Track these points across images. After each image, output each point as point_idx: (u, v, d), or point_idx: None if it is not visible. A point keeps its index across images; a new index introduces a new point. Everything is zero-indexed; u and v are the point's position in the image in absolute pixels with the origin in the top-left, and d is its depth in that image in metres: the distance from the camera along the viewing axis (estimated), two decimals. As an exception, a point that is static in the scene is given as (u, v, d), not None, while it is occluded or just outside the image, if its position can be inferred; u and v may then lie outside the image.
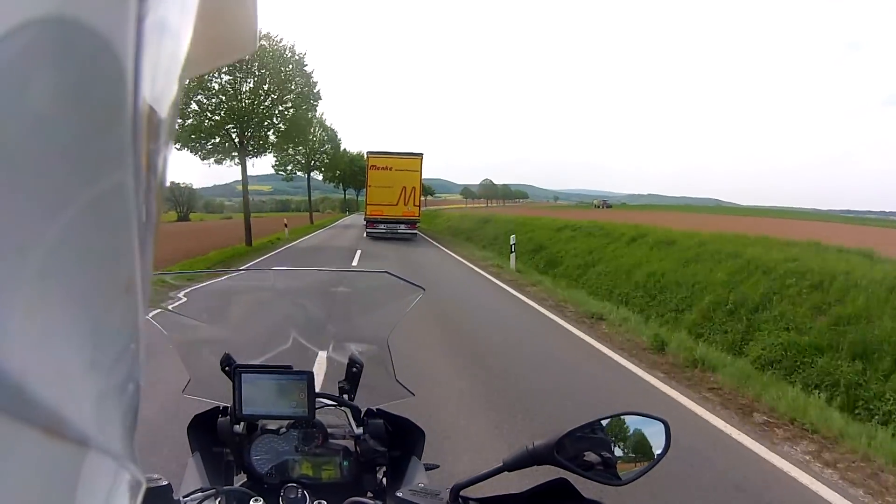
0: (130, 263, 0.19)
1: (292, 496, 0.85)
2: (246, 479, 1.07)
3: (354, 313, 1.36)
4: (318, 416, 1.04)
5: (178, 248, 14.27)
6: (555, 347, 5.40)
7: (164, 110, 0.21)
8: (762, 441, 3.29)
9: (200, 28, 0.24)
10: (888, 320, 4.83)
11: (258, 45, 0.40)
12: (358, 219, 36.12)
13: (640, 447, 0.73)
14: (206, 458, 1.07)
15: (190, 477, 1.02)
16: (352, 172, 53.22)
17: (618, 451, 0.73)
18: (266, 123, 16.47)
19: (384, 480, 1.09)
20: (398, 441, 1.09)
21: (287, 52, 16.02)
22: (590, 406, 3.64)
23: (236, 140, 15.86)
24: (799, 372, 4.84)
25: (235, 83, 15.04)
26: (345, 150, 41.57)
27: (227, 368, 1.06)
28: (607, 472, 0.71)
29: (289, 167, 33.08)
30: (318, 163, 35.94)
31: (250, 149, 16.24)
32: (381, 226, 18.74)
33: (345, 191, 66.59)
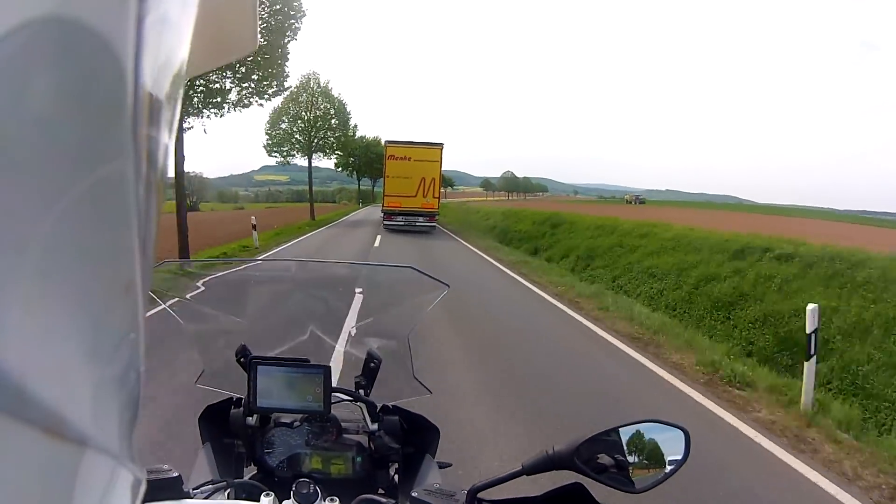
0: (131, 262, 0.20)
1: (304, 491, 0.85)
2: (256, 472, 1.09)
3: (375, 308, 1.36)
4: (333, 411, 1.04)
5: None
6: None
7: (164, 110, 0.21)
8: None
9: (200, 28, 0.25)
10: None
11: (257, 43, 0.40)
12: (373, 212, 33.99)
13: (657, 454, 0.73)
14: (217, 450, 1.09)
15: (200, 468, 1.04)
16: (367, 160, 49.25)
17: (634, 458, 0.73)
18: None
19: (396, 478, 1.10)
20: (412, 438, 1.10)
21: None
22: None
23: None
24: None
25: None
26: (355, 126, 32.31)
27: (242, 359, 1.07)
28: (623, 478, 0.72)
29: (284, 148, 27.18)
30: (321, 142, 28.48)
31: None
32: (399, 218, 18.74)
33: (359, 180, 62.04)
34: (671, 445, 0.74)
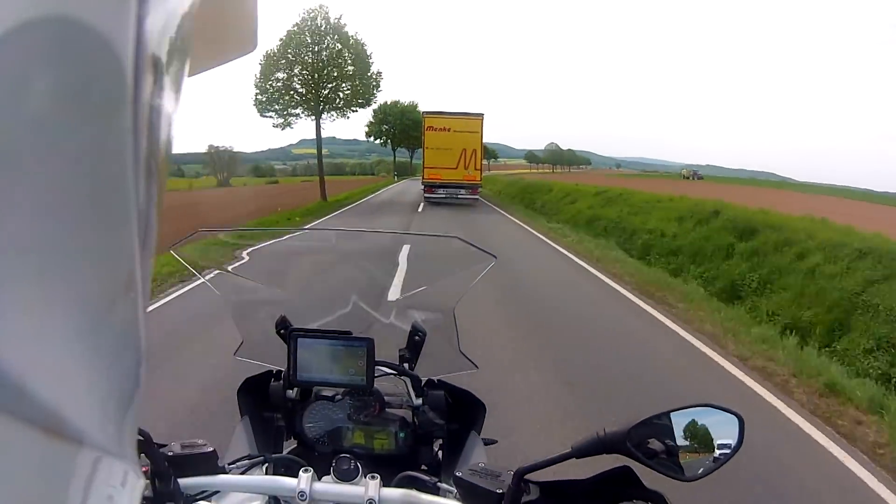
0: (130, 262, 0.20)
1: (345, 467, 0.82)
2: (296, 446, 1.10)
3: (420, 279, 1.35)
4: (375, 385, 1.04)
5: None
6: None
7: (164, 109, 0.22)
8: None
9: (200, 28, 0.25)
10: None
11: (257, 43, 0.41)
12: (408, 188, 29.98)
13: (708, 440, 0.72)
14: (256, 423, 1.10)
15: (237, 442, 1.05)
16: (403, 127, 45.99)
17: (684, 443, 0.71)
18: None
19: (440, 454, 1.10)
20: (457, 414, 1.09)
21: None
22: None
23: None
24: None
25: None
26: (378, 75, 22.56)
27: (282, 332, 1.08)
28: (673, 464, 0.71)
29: (279, 104, 20.76)
30: (331, 95, 21.51)
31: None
32: (441, 190, 18.81)
33: (395, 150, 57.67)
34: (723, 430, 0.72)
